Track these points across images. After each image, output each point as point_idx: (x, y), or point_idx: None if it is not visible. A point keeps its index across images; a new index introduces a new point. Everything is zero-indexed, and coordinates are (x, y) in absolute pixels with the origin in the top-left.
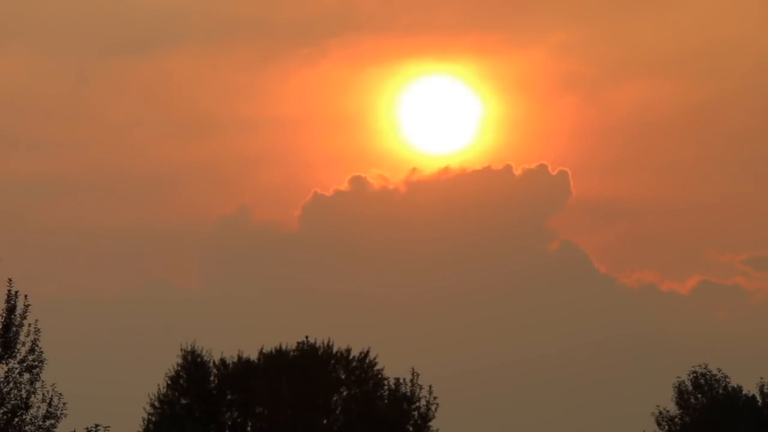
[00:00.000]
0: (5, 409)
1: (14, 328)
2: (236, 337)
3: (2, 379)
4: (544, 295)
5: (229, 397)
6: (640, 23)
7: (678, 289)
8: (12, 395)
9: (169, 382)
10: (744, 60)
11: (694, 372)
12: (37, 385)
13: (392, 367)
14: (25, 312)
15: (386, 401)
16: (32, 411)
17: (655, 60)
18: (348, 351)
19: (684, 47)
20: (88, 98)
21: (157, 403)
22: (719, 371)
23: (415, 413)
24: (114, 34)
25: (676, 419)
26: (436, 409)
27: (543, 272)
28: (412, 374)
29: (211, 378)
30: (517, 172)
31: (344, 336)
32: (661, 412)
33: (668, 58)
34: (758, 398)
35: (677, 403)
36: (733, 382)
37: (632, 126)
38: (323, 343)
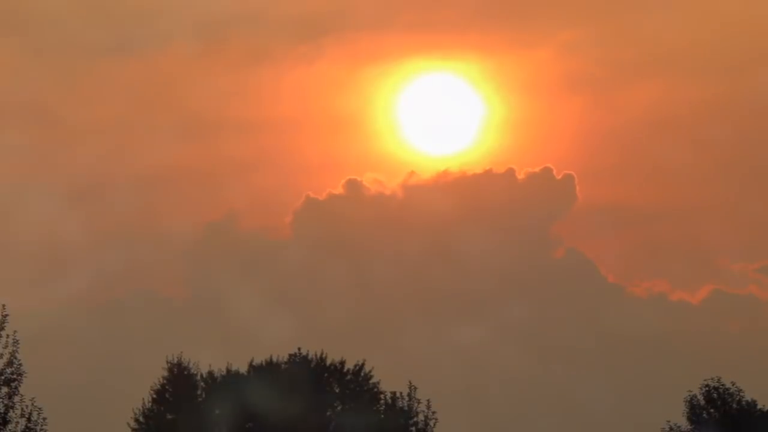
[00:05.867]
0: None
1: None
2: (225, 349)
3: None
4: (548, 304)
5: (217, 411)
6: (650, 22)
7: (688, 298)
8: None
9: (154, 395)
10: (759, 59)
11: (707, 385)
12: (16, 399)
13: (389, 381)
14: (3, 323)
15: (382, 416)
16: (10, 426)
17: (666, 60)
18: (342, 363)
19: (696, 46)
20: (72, 99)
21: (141, 418)
22: (733, 385)
23: (413, 429)
24: (100, 33)
25: None
26: (434, 424)
27: (547, 281)
28: (410, 388)
29: (199, 392)
30: (520, 175)
31: (338, 347)
32: (671, 428)
33: (679, 58)
34: None
35: (689, 418)
36: (748, 396)
37: (641, 128)
38: (316, 355)
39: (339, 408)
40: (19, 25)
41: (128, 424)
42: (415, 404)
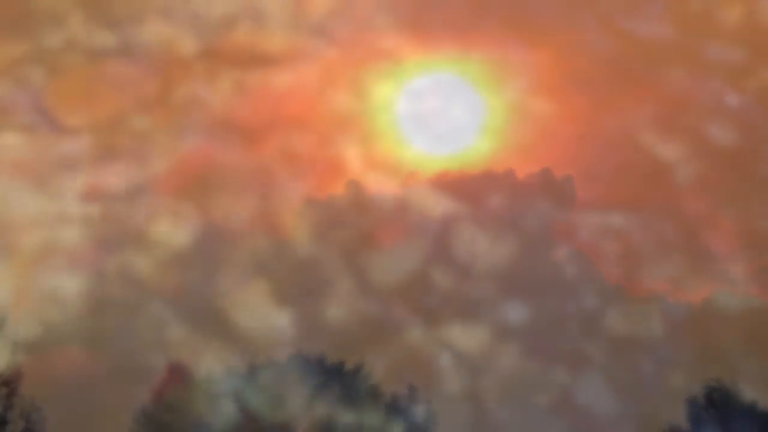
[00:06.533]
0: None
1: None
2: (224, 350)
3: None
4: (548, 304)
5: (216, 412)
6: (650, 22)
7: (688, 298)
8: None
9: (153, 396)
10: (761, 59)
11: (707, 386)
12: (15, 399)
13: (389, 381)
14: (3, 323)
15: (382, 417)
16: (9, 427)
17: (666, 60)
18: (342, 364)
19: (696, 47)
20: (72, 99)
21: (141, 419)
22: (734, 386)
23: (413, 429)
24: (99, 32)
25: None
26: (434, 426)
27: (547, 281)
28: (409, 390)
29: (198, 392)
30: (520, 175)
31: (338, 348)
32: (672, 429)
33: (679, 59)
34: None
35: (689, 419)
36: (748, 396)
37: (641, 128)
38: (315, 356)
39: (339, 409)
40: (19, 25)
41: (128, 424)
42: (415, 406)
